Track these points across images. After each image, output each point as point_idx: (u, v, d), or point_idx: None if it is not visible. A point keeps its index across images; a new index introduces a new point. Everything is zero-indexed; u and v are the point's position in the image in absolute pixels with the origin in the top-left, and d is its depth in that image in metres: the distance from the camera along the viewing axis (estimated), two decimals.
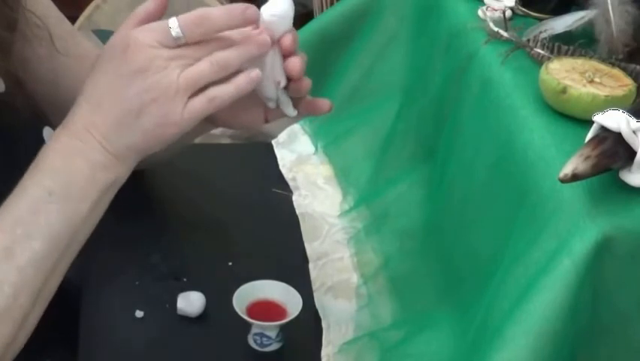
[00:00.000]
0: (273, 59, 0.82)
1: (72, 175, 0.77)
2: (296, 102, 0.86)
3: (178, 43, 0.76)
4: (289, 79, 0.83)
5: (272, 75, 0.82)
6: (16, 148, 0.87)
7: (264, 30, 0.79)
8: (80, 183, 0.77)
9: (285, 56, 0.82)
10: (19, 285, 0.75)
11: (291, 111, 0.87)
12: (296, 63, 0.81)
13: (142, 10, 0.79)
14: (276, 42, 0.81)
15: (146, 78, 0.74)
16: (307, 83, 0.83)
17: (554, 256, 0.79)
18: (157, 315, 1.05)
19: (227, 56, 0.76)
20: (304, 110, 0.87)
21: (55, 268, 0.77)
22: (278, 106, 0.86)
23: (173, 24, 0.76)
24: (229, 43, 0.77)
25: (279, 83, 0.83)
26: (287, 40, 0.81)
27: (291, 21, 0.82)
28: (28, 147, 0.88)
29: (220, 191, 1.29)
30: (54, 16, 0.98)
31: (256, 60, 0.80)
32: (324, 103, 0.88)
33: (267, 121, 0.89)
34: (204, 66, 0.75)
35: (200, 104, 0.75)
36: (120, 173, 0.78)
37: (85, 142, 0.77)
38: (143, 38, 0.76)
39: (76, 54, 1.00)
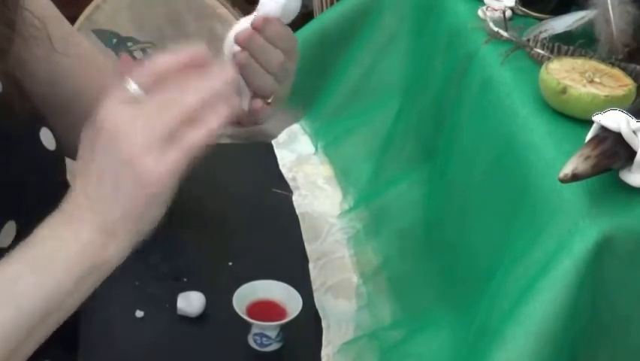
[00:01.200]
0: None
1: (57, 251, 0.74)
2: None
3: (138, 98, 0.74)
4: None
5: (227, 51, 0.85)
6: (12, 149, 0.86)
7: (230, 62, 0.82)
8: (64, 260, 0.74)
9: (255, 29, 0.84)
10: None
11: (245, 102, 0.87)
12: (246, 34, 0.84)
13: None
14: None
15: (115, 147, 0.73)
16: (242, 56, 0.84)
17: (554, 256, 0.79)
18: (157, 315, 1.05)
19: (187, 98, 0.73)
20: (251, 106, 0.88)
21: (24, 342, 0.74)
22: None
23: (129, 82, 0.75)
24: (190, 84, 0.75)
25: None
26: (260, 16, 0.84)
27: (282, 9, 0.84)
28: (25, 147, 0.88)
29: (220, 191, 1.29)
30: (53, 16, 0.98)
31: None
32: (262, 112, 0.89)
33: (242, 123, 0.90)
34: (165, 113, 0.73)
35: (173, 155, 0.72)
36: (110, 254, 0.75)
37: (76, 220, 0.74)
38: (107, 107, 0.74)
39: (75, 54, 1.00)
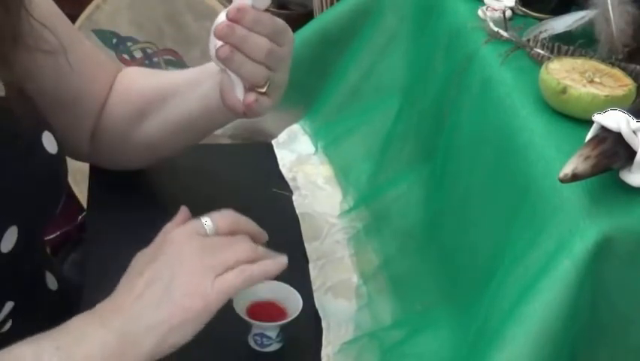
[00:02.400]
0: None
1: (81, 342, 0.76)
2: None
3: (209, 234, 0.83)
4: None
5: (211, 47, 0.87)
6: (14, 153, 0.86)
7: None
8: (86, 353, 0.76)
9: (230, 20, 0.85)
10: None
11: (240, 92, 0.89)
12: (220, 26, 0.85)
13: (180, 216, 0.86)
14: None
15: (179, 258, 0.78)
16: (224, 51, 0.86)
17: (554, 256, 0.79)
18: None
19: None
20: (247, 98, 0.90)
21: None
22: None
23: (207, 221, 0.84)
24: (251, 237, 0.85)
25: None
26: (232, 7, 0.85)
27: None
28: (27, 152, 0.88)
29: (220, 191, 1.29)
30: (58, 24, 0.97)
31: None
32: (261, 103, 0.91)
33: (245, 114, 0.90)
34: (229, 252, 0.81)
35: (230, 276, 0.79)
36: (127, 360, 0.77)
37: (108, 318, 0.77)
38: (179, 232, 0.81)
39: (80, 62, 1.00)
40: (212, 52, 0.86)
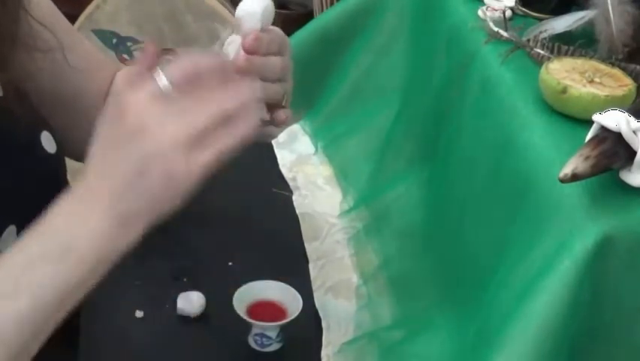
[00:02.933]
0: (239, 52, 0.82)
1: (71, 240, 0.74)
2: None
3: (168, 95, 0.73)
4: None
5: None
6: (13, 153, 0.86)
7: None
8: (78, 250, 0.73)
9: (248, 53, 0.81)
10: None
11: (263, 114, 0.87)
12: (238, 60, 0.81)
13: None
14: (242, 37, 0.81)
15: (144, 138, 0.72)
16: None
17: (554, 256, 0.79)
18: (157, 315, 1.05)
19: (224, 101, 0.73)
20: (269, 116, 0.87)
21: (40, 330, 0.74)
22: None
23: (159, 76, 0.73)
24: (219, 86, 0.74)
25: None
26: (248, 39, 0.81)
27: (262, 20, 0.82)
28: (26, 151, 0.88)
29: (220, 191, 1.29)
30: (56, 24, 0.97)
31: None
32: (281, 115, 0.87)
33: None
34: (199, 115, 0.72)
35: (202, 155, 0.72)
36: (123, 243, 0.74)
37: (91, 209, 0.74)
38: (135, 99, 0.73)
39: (79, 62, 1.00)
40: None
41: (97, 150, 0.75)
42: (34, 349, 0.75)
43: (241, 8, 0.81)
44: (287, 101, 0.89)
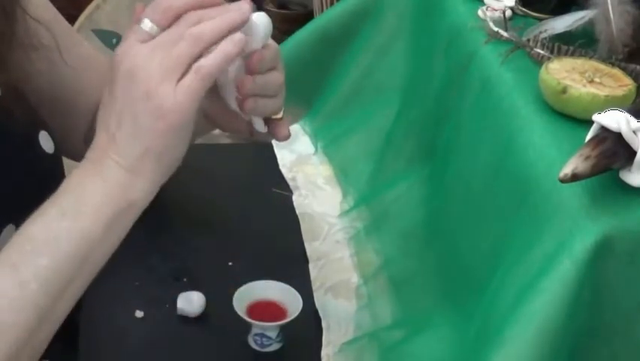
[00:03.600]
0: (239, 72, 0.81)
1: (86, 194, 0.75)
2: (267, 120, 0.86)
3: (154, 35, 0.75)
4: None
5: (233, 89, 0.82)
6: (12, 152, 0.86)
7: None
8: (94, 203, 0.75)
9: (252, 74, 0.81)
10: (21, 300, 0.72)
11: (260, 127, 0.86)
12: (245, 82, 0.81)
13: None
14: (243, 58, 0.80)
15: (134, 79, 0.74)
16: (249, 104, 0.82)
17: (554, 256, 0.79)
18: (157, 315, 1.05)
19: (201, 27, 0.75)
20: (270, 129, 0.87)
21: (65, 289, 0.75)
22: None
23: (143, 21, 0.75)
24: (204, 18, 0.76)
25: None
26: (253, 60, 0.80)
27: (263, 39, 0.81)
28: (24, 151, 0.88)
29: (220, 191, 1.29)
30: (55, 25, 0.97)
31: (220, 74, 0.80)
32: (283, 130, 0.87)
33: (251, 134, 0.89)
34: (180, 44, 0.74)
35: (189, 81, 0.73)
36: (138, 192, 0.76)
37: (101, 163, 0.75)
38: (124, 48, 0.75)
39: (75, 57, 1.00)
40: (233, 104, 0.83)
41: (101, 110, 0.77)
42: (66, 307, 0.76)
43: (242, 30, 0.79)
44: (283, 112, 0.90)
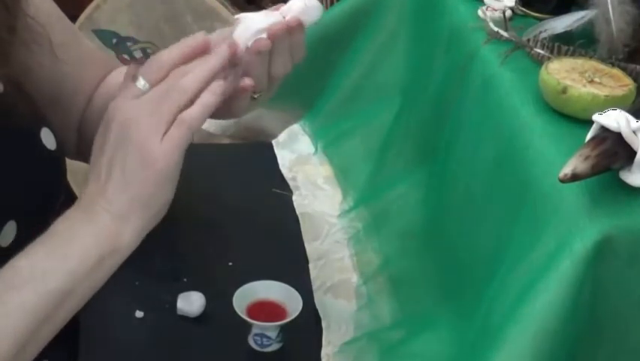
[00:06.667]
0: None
1: (74, 238, 0.78)
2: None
3: (145, 91, 0.81)
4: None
5: (249, 35, 0.85)
6: (13, 149, 0.86)
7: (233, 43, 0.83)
8: (81, 246, 0.78)
9: (292, 29, 0.85)
10: (2, 331, 0.75)
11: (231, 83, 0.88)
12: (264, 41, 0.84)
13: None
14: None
15: (127, 133, 0.78)
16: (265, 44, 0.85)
17: (554, 256, 0.79)
18: (157, 315, 1.05)
19: (185, 81, 0.80)
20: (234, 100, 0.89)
21: (42, 326, 0.77)
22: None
23: (138, 79, 0.81)
24: (189, 70, 0.81)
25: (247, 48, 0.85)
26: (292, 18, 0.85)
27: (310, 14, 0.85)
28: (26, 147, 0.88)
29: (220, 191, 1.29)
30: (56, 20, 0.97)
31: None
32: (242, 105, 0.90)
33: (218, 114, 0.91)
34: (167, 98, 0.79)
35: (173, 132, 0.78)
36: (125, 238, 0.79)
37: (91, 210, 0.79)
38: (118, 102, 0.81)
39: (76, 55, 1.00)
40: (244, 41, 0.85)
41: (93, 158, 0.82)
42: (44, 337, 0.78)
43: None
44: (258, 100, 0.91)
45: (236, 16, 0.86)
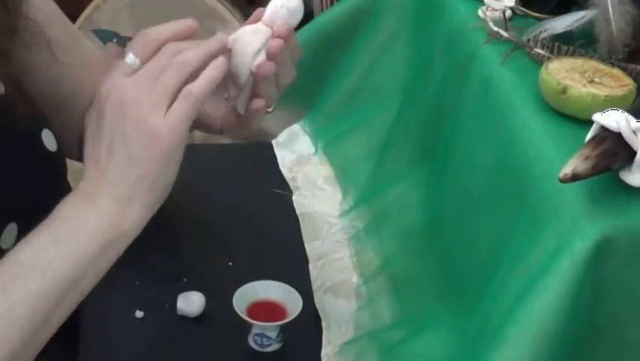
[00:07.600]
0: (262, 45, 0.83)
1: (78, 224, 0.76)
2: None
3: (136, 68, 0.78)
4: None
5: (249, 61, 0.83)
6: (14, 150, 0.86)
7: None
8: (86, 233, 0.76)
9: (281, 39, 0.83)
10: (7, 323, 0.73)
11: (242, 107, 0.87)
12: (278, 43, 0.83)
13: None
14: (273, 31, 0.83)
15: (124, 109, 0.76)
16: (269, 67, 0.83)
17: (554, 256, 0.79)
18: (157, 315, 1.05)
19: (186, 55, 0.78)
20: (247, 116, 0.88)
21: (53, 313, 0.76)
22: (234, 100, 0.87)
23: (127, 55, 0.79)
24: (183, 48, 0.79)
25: (251, 72, 0.84)
26: (282, 27, 0.83)
27: (294, 17, 0.84)
28: (26, 149, 0.88)
29: (220, 191, 1.29)
30: (56, 20, 0.97)
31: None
32: (256, 123, 0.89)
33: (220, 131, 0.91)
34: (166, 72, 0.77)
35: (179, 106, 0.76)
36: (130, 222, 0.77)
37: (94, 194, 0.77)
38: (109, 83, 0.78)
39: (76, 56, 1.00)
40: (245, 67, 0.83)
41: (87, 144, 0.79)
42: (46, 335, 0.76)
43: (281, 3, 0.83)
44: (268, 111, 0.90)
45: (228, 45, 0.83)
